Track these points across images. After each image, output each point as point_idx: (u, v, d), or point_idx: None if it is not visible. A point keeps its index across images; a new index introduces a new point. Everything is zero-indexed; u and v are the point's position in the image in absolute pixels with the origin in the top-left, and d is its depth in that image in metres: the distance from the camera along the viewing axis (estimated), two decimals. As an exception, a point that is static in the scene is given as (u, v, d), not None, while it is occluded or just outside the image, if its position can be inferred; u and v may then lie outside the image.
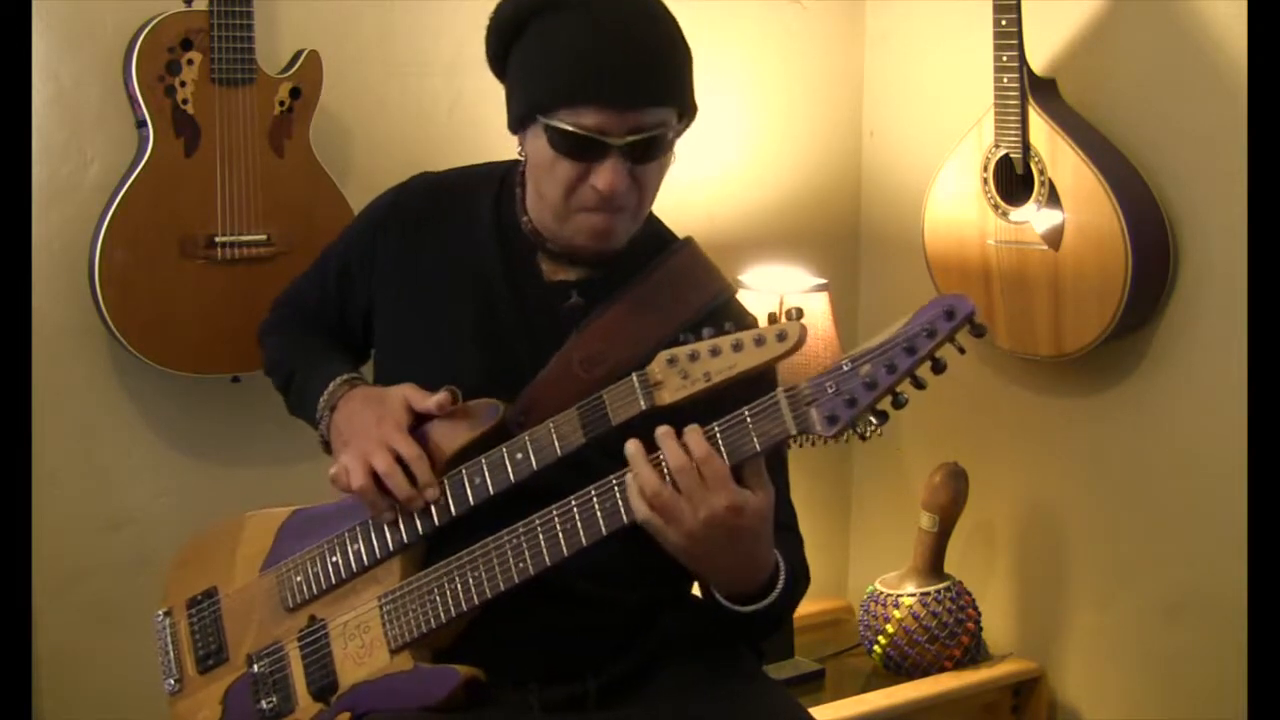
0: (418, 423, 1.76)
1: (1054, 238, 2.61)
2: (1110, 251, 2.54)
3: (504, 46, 1.75)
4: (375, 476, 1.71)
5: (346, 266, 1.93)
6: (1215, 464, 2.58)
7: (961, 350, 1.53)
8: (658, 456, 1.59)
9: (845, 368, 1.54)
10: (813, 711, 1.86)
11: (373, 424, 1.75)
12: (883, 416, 1.54)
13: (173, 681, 1.90)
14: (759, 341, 1.57)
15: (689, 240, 1.88)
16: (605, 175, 1.69)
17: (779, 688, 1.92)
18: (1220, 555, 2.57)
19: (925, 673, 2.81)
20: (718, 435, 1.58)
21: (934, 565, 2.86)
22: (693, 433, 1.58)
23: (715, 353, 1.59)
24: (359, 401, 1.80)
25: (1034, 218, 2.64)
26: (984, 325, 1.53)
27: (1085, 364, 2.72)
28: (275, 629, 1.83)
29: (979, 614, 2.87)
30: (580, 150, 1.69)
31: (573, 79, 1.67)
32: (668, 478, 1.58)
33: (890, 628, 2.82)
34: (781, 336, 1.57)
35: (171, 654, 1.91)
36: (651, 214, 1.87)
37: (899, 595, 2.84)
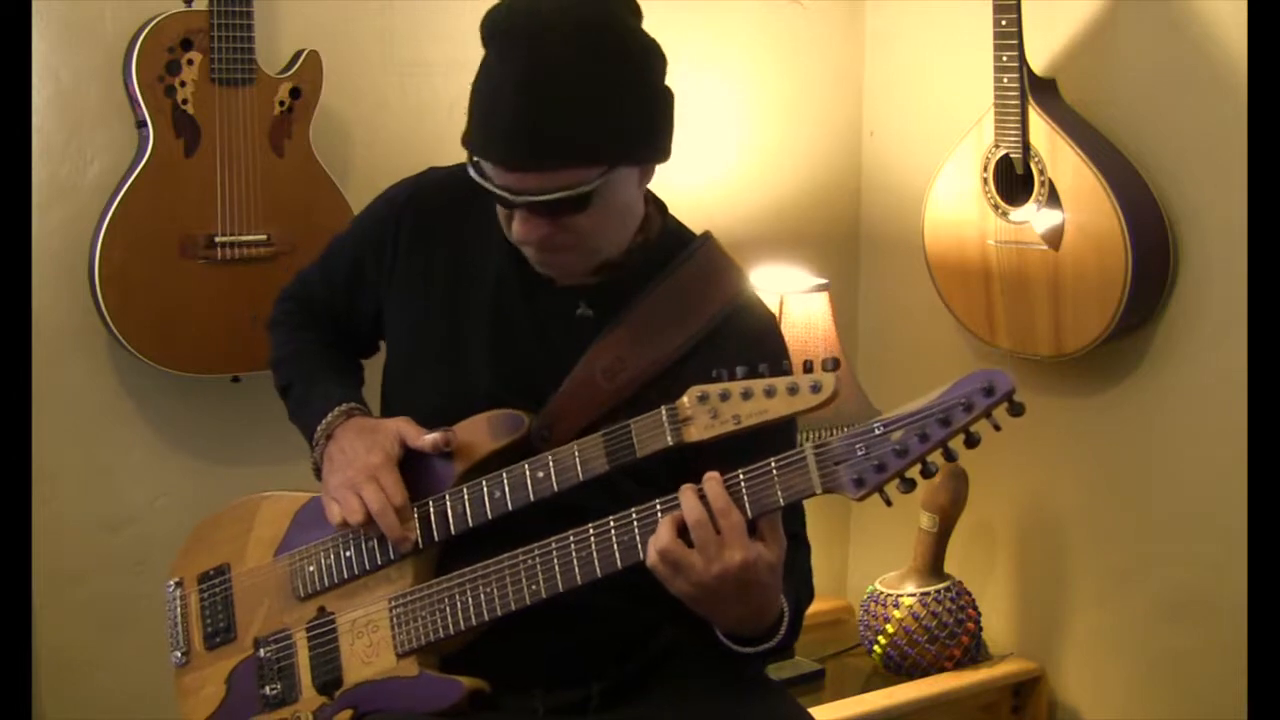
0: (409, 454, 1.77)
1: (1054, 238, 2.61)
2: (1110, 251, 2.54)
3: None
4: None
5: (360, 260, 1.91)
6: (1215, 464, 2.58)
7: (997, 427, 1.50)
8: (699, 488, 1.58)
9: (877, 431, 1.51)
10: (813, 711, 1.86)
11: (363, 454, 1.75)
12: (910, 484, 1.52)
13: (179, 654, 1.90)
14: (792, 390, 1.56)
15: (707, 237, 1.85)
16: (516, 225, 1.69)
17: (781, 691, 1.92)
18: (1220, 555, 2.57)
19: (925, 673, 2.81)
20: (742, 485, 1.56)
21: (934, 565, 2.86)
22: (713, 483, 1.56)
23: (747, 395, 1.57)
24: (353, 432, 1.80)
25: (1034, 218, 2.63)
26: (1022, 404, 1.49)
27: (1085, 364, 2.72)
28: (284, 616, 1.83)
29: (979, 614, 2.87)
30: (494, 198, 1.68)
31: (478, 132, 1.66)
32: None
33: (890, 628, 2.82)
34: (816, 388, 1.55)
35: (180, 626, 1.91)
36: (666, 211, 1.86)
37: (899, 595, 2.84)
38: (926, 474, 1.51)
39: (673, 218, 1.87)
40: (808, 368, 1.57)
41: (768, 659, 1.71)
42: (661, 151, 1.73)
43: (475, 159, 1.68)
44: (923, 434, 1.49)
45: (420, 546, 1.74)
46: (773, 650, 1.68)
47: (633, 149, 1.68)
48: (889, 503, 1.54)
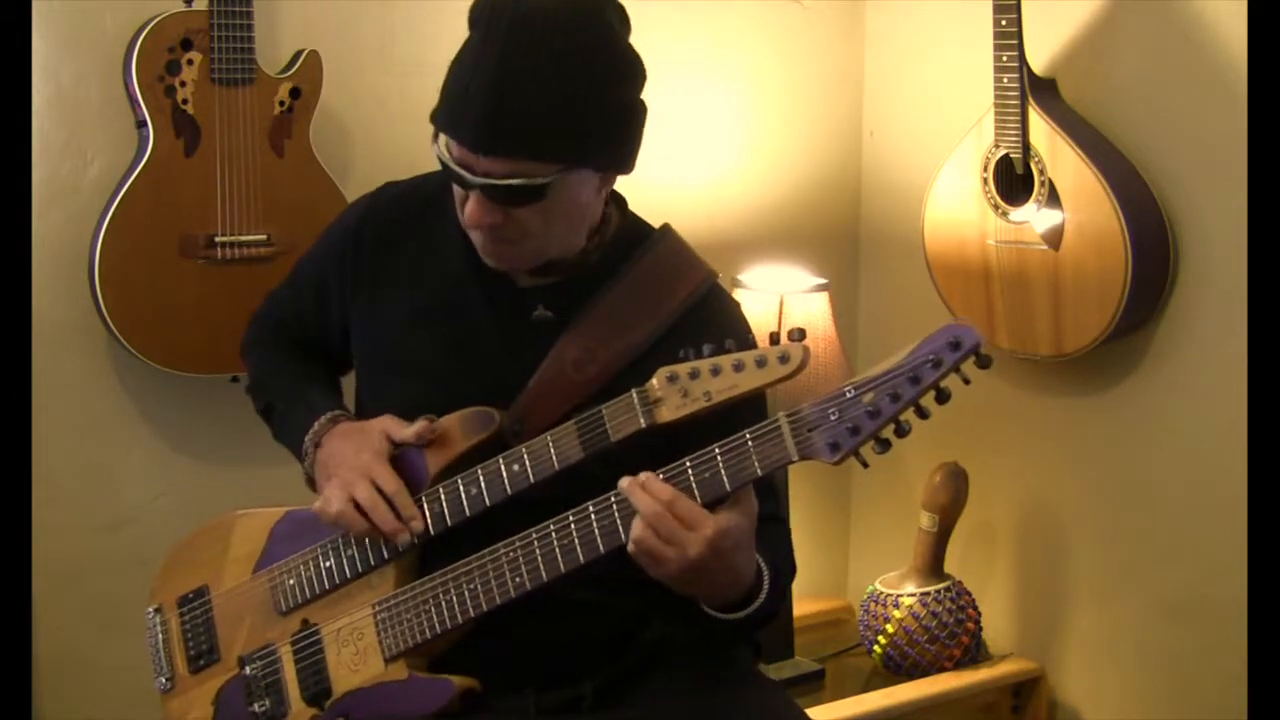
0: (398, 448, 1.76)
1: (1054, 238, 2.61)
2: (1110, 251, 2.54)
3: None
4: (357, 505, 1.72)
5: (321, 281, 1.93)
6: (1215, 463, 2.58)
7: (966, 380, 1.52)
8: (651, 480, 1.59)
9: (849, 394, 1.53)
10: (812, 712, 1.87)
11: (352, 454, 1.76)
12: (885, 445, 1.53)
13: (164, 680, 1.90)
14: (760, 363, 1.57)
15: (666, 229, 1.86)
16: (469, 209, 1.70)
17: (775, 688, 1.92)
18: (1220, 555, 2.57)
19: (925, 673, 2.81)
20: (718, 459, 1.57)
21: (934, 565, 2.86)
22: (650, 480, 1.58)
23: (716, 372, 1.58)
24: (340, 437, 1.80)
25: (1034, 218, 2.63)
26: (990, 356, 1.52)
27: (1085, 364, 2.72)
28: (268, 631, 1.83)
29: (979, 614, 2.87)
30: (452, 176, 1.69)
31: (447, 108, 1.68)
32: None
33: (890, 628, 2.82)
34: (784, 359, 1.56)
35: (162, 652, 1.90)
36: (626, 208, 1.86)
37: (899, 595, 2.84)
38: (900, 433, 1.53)
39: (632, 214, 1.87)
40: (774, 340, 1.58)
41: (756, 625, 1.71)
42: (623, 163, 1.73)
43: (439, 136, 1.70)
44: (894, 394, 1.51)
45: (417, 539, 1.73)
46: (760, 614, 1.68)
47: (593, 154, 1.69)
48: (865, 464, 1.56)
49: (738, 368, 1.57)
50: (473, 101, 1.63)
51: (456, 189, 1.72)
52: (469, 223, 1.71)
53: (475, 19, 1.68)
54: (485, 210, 1.68)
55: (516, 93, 1.61)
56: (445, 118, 1.68)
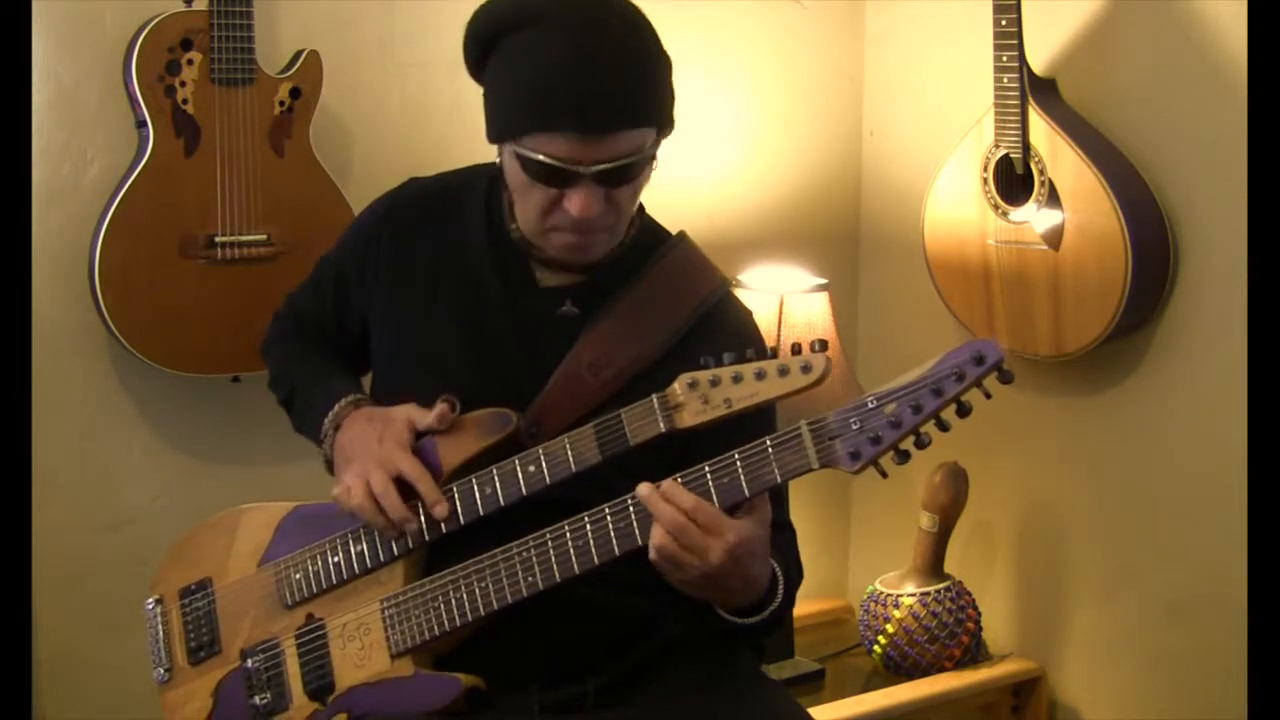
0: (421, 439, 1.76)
1: (1054, 238, 2.61)
2: (1110, 251, 2.54)
3: (479, 59, 1.74)
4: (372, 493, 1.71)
5: (342, 276, 1.92)
6: (1215, 463, 2.58)
7: (988, 395, 1.53)
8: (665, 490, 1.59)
9: (870, 404, 1.54)
10: (813, 711, 1.87)
11: (374, 442, 1.75)
12: (905, 456, 1.54)
13: (162, 671, 1.90)
14: (783, 372, 1.57)
15: (682, 235, 1.87)
16: (577, 202, 1.68)
17: (778, 688, 1.92)
18: (1220, 555, 2.57)
19: (925, 673, 2.81)
20: (738, 465, 1.58)
21: (934, 565, 2.86)
22: (673, 489, 1.58)
23: (737, 379, 1.59)
24: (363, 421, 1.80)
25: (1034, 218, 2.64)
26: (1012, 372, 1.53)
27: (1085, 364, 2.72)
28: (272, 625, 1.83)
29: (979, 614, 2.87)
30: (551, 177, 1.68)
31: (540, 107, 1.65)
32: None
33: (890, 628, 2.82)
34: (806, 368, 1.57)
35: (162, 643, 1.90)
36: (643, 210, 1.86)
37: (899, 595, 2.84)
38: (920, 445, 1.54)
39: (649, 216, 1.88)
40: (796, 350, 1.59)
41: (767, 629, 1.71)
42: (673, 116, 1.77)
43: (519, 141, 1.68)
44: (916, 405, 1.52)
45: (445, 525, 1.72)
46: (772, 618, 1.69)
47: (670, 110, 1.74)
48: (884, 474, 1.57)
49: (759, 376, 1.58)
50: (569, 90, 1.63)
51: (540, 193, 1.70)
52: (580, 219, 1.69)
53: (514, 24, 1.67)
54: (594, 198, 1.68)
55: (609, 69, 1.64)
56: (540, 118, 1.66)
